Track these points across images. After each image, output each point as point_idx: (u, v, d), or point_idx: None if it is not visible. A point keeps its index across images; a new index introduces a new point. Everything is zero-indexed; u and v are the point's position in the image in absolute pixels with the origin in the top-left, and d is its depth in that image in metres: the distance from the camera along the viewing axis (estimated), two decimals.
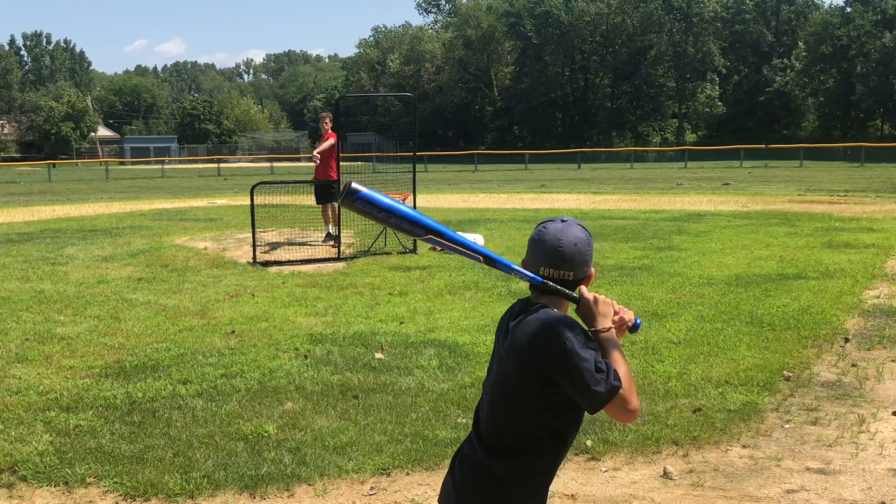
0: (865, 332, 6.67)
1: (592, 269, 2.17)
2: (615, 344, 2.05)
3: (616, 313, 2.13)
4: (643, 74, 75.63)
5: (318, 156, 11.94)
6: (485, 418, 2.17)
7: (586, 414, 2.09)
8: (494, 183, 32.26)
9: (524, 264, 2.17)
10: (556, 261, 2.10)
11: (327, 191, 11.83)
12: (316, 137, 12.62)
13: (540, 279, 2.11)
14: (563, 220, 2.16)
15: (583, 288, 2.13)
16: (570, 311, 2.14)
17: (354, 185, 2.03)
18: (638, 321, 2.20)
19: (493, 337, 2.28)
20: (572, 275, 2.11)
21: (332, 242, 11.79)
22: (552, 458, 2.13)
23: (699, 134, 76.12)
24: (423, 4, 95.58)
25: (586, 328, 2.07)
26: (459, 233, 2.16)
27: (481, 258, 2.13)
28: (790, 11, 75.59)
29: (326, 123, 12.02)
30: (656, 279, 9.01)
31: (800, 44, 69.26)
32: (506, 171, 44.24)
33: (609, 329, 2.06)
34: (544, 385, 2.02)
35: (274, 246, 11.86)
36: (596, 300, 2.09)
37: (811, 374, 5.54)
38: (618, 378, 1.95)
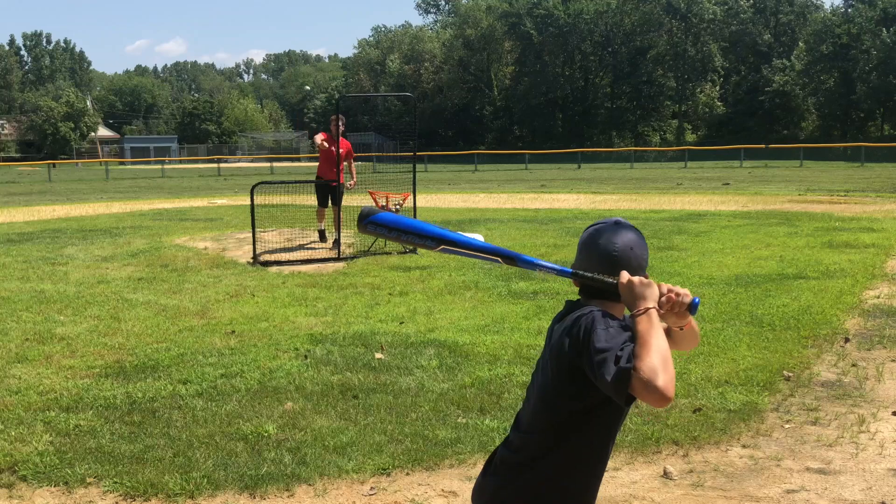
0: (865, 332, 6.67)
1: (647, 274, 2.06)
2: (648, 325, 1.85)
3: (663, 294, 1.97)
4: (643, 74, 75.62)
5: (353, 184, 12.07)
6: (525, 421, 2.14)
7: None
8: (494, 183, 32.28)
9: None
10: (610, 265, 2.01)
11: (331, 191, 11.80)
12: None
13: (569, 270, 2.04)
14: (616, 223, 2.09)
15: (623, 272, 1.99)
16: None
17: (366, 209, 2.16)
18: (696, 300, 2.01)
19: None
20: None
21: (329, 244, 11.78)
22: (588, 464, 2.09)
23: (699, 134, 76.03)
24: (423, 4, 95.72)
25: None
26: (462, 234, 2.17)
27: (500, 259, 2.09)
28: (790, 12, 75.59)
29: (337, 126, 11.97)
30: (656, 279, 8.90)
31: (800, 43, 69.21)
32: (506, 171, 44.25)
33: (645, 311, 1.88)
34: (579, 383, 1.93)
35: (274, 246, 11.86)
36: (631, 281, 1.94)
37: (811, 374, 5.54)
38: (630, 360, 1.77)
